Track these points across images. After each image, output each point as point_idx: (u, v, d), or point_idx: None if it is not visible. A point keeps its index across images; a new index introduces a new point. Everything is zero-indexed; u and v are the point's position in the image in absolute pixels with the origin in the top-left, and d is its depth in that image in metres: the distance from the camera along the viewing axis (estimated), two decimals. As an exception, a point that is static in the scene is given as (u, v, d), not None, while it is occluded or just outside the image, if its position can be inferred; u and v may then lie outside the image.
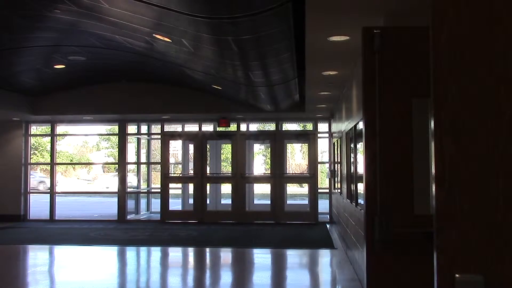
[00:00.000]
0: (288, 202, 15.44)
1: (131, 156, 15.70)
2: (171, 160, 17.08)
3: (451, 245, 1.53)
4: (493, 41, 1.57)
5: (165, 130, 14.78)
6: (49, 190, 14.87)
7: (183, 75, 10.83)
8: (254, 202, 15.41)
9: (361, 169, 5.94)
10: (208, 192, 14.46)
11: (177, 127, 16.30)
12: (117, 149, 15.30)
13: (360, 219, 6.57)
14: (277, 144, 14.08)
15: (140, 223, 14.08)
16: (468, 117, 1.56)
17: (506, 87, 1.56)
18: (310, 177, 14.04)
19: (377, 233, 3.83)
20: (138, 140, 15.70)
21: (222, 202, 15.61)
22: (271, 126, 16.33)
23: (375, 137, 3.97)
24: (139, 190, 15.43)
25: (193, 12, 6.00)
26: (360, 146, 6.69)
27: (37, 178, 27.10)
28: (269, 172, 14.54)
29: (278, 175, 13.88)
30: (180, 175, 16.34)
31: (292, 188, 23.31)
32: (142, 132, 15.41)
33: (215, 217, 13.93)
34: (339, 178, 11.17)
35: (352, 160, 8.13)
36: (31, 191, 14.93)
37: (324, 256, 9.66)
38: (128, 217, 14.35)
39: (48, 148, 16.79)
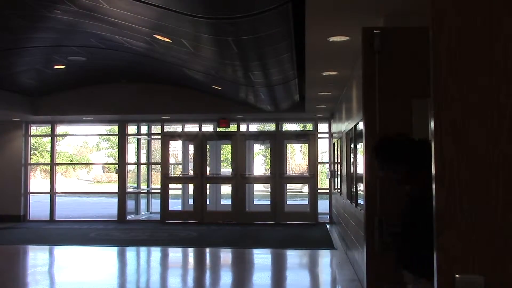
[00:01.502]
0: (288, 202, 15.43)
1: (131, 157, 15.70)
2: (171, 160, 17.08)
3: (451, 245, 1.53)
4: (493, 41, 1.57)
5: (165, 131, 14.78)
6: (49, 191, 14.85)
7: (183, 76, 10.83)
8: (254, 203, 15.41)
9: (361, 169, 5.94)
10: (208, 192, 14.46)
11: (177, 128, 16.29)
12: (117, 149, 15.30)
13: (360, 219, 6.57)
14: (277, 144, 14.08)
15: (140, 224, 14.08)
16: (468, 117, 1.56)
17: (506, 87, 1.55)
18: (310, 178, 14.04)
19: (377, 233, 3.83)
20: (138, 141, 15.71)
21: (222, 202, 15.60)
22: (271, 127, 16.33)
23: (375, 137, 3.96)
24: (139, 191, 15.43)
25: (193, 13, 6.00)
26: (360, 146, 6.69)
27: None
28: (269, 172, 14.54)
29: (278, 176, 13.88)
30: (180, 175, 16.34)
31: (290, 186, 23.27)
32: (142, 132, 15.42)
33: (215, 218, 13.92)
34: (339, 179, 11.16)
35: (352, 160, 8.13)
36: (31, 191, 14.93)
37: (324, 257, 9.66)
38: (128, 217, 14.35)
39: (48, 148, 16.79)
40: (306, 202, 14.67)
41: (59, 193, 15.57)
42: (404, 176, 2.90)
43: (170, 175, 14.74)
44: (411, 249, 2.77)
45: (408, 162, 2.85)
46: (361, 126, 5.57)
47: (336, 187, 12.23)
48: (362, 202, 6.62)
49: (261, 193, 17.90)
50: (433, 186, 1.58)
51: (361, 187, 6.39)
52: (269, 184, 14.19)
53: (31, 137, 15.34)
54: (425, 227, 2.69)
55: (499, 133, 1.54)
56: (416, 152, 2.84)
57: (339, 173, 11.18)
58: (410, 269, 2.79)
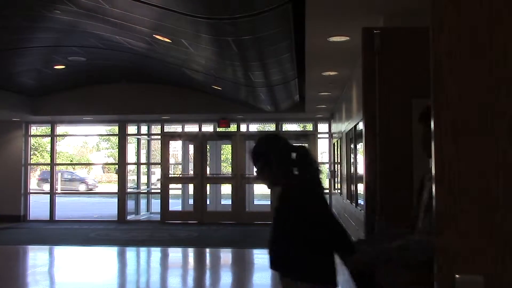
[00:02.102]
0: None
1: (131, 157, 15.70)
2: (171, 160, 17.07)
3: (451, 245, 1.53)
4: (493, 41, 1.57)
5: (165, 131, 14.78)
6: (49, 191, 14.86)
7: (183, 76, 10.83)
8: (254, 203, 15.41)
9: (361, 169, 5.94)
10: (208, 192, 14.45)
11: (177, 128, 16.29)
12: (117, 149, 15.30)
13: (360, 219, 6.57)
14: (277, 144, 14.05)
15: (140, 224, 14.08)
16: (468, 117, 1.56)
17: (506, 87, 1.55)
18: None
19: (377, 233, 3.83)
20: (138, 141, 15.70)
21: (222, 202, 15.60)
22: (271, 127, 16.33)
23: (375, 137, 3.96)
24: (139, 191, 15.43)
25: (193, 13, 6.00)
26: (360, 146, 6.69)
27: None
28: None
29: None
30: (180, 175, 16.34)
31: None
32: (142, 132, 15.41)
33: (215, 218, 13.92)
34: (339, 179, 11.16)
35: (352, 160, 8.13)
36: (31, 191, 14.92)
37: (324, 257, 9.64)
38: (128, 217, 14.35)
39: (48, 148, 16.79)
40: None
41: (59, 193, 15.57)
42: (266, 175, 2.88)
43: (170, 175, 14.74)
44: (282, 252, 2.77)
45: (268, 162, 2.83)
46: (361, 126, 5.58)
47: (336, 187, 12.22)
48: (362, 202, 6.62)
49: (261, 193, 17.88)
50: (433, 186, 1.57)
51: (361, 187, 6.39)
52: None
53: (31, 137, 15.33)
54: (291, 230, 2.71)
55: (499, 133, 1.54)
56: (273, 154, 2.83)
57: (339, 173, 11.17)
58: (282, 272, 2.79)
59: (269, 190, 12.25)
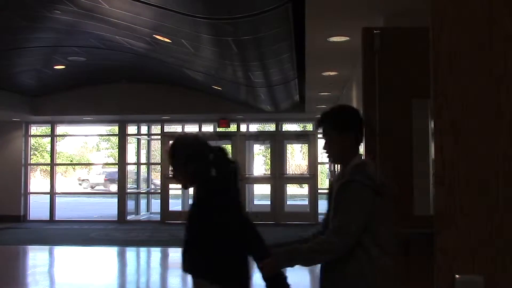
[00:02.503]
0: (288, 202, 15.42)
1: (131, 157, 15.69)
2: (171, 160, 17.04)
3: (451, 245, 1.53)
4: (493, 41, 1.57)
5: (165, 131, 14.77)
6: (49, 191, 14.85)
7: (183, 76, 10.83)
8: (254, 203, 15.40)
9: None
10: (208, 192, 14.44)
11: (177, 128, 16.29)
12: (117, 149, 15.30)
13: (360, 219, 6.56)
14: (277, 144, 14.07)
15: (140, 224, 14.08)
16: (468, 117, 1.56)
17: (506, 87, 1.55)
18: (310, 178, 14.03)
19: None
20: (138, 141, 15.70)
21: (222, 202, 15.57)
22: (271, 127, 16.32)
23: (375, 137, 3.96)
24: (139, 191, 15.42)
25: (192, 13, 6.00)
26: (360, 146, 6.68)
27: None
28: (269, 172, 14.53)
29: (278, 176, 13.87)
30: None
31: (292, 189, 23.29)
32: (142, 132, 15.41)
33: (215, 218, 13.90)
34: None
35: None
36: (31, 191, 14.92)
37: (324, 257, 9.64)
38: (128, 217, 14.35)
39: (48, 148, 16.79)
40: (306, 202, 14.66)
41: (59, 193, 15.57)
42: (181, 175, 2.88)
43: (170, 175, 14.72)
44: (193, 254, 2.76)
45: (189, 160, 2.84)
46: (361, 126, 5.56)
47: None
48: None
49: (261, 193, 17.88)
50: (433, 186, 1.57)
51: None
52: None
53: (31, 137, 15.33)
54: (205, 231, 2.71)
55: (499, 133, 1.54)
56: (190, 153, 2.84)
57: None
58: (193, 274, 2.77)
59: (270, 190, 12.18)
